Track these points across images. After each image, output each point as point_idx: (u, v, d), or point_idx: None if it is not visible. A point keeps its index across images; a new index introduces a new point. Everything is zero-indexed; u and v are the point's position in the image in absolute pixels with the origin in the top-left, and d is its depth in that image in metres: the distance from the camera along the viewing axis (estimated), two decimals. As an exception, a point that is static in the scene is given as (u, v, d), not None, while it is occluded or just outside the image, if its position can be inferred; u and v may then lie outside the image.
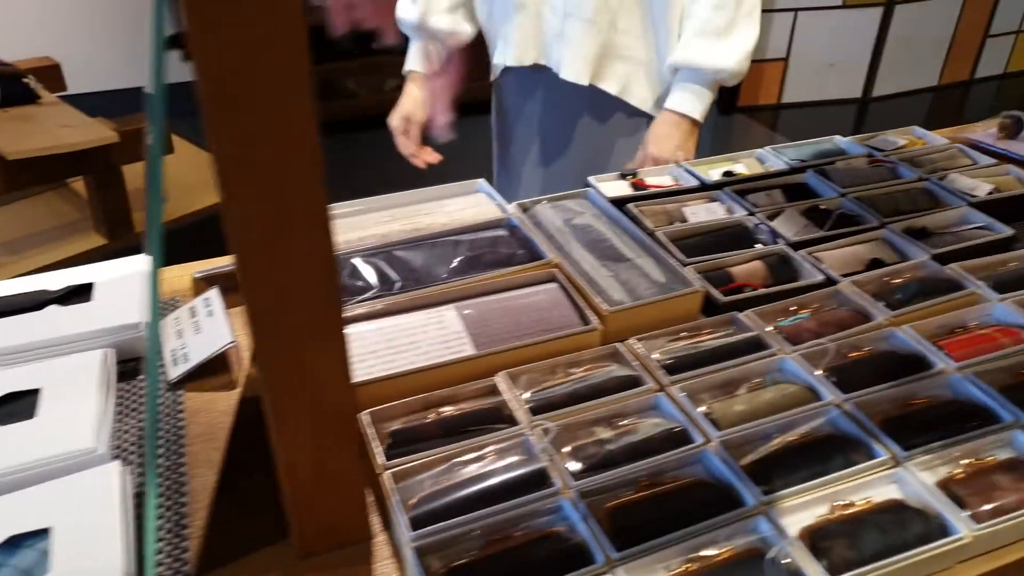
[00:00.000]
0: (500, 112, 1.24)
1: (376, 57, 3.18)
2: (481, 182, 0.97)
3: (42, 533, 0.55)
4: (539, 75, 1.10)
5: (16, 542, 0.54)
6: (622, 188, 0.99)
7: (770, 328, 0.74)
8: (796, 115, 3.56)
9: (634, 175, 1.00)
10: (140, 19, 3.09)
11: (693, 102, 1.03)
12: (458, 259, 0.83)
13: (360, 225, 0.89)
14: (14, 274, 1.71)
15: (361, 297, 0.77)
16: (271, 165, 0.42)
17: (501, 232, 0.87)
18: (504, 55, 1.11)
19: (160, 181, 0.48)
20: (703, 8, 0.99)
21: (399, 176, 3.15)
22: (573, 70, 1.03)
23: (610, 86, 1.05)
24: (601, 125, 1.11)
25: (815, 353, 0.70)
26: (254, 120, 0.40)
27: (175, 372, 0.75)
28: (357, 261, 0.81)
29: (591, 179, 0.98)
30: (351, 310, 0.74)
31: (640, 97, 1.07)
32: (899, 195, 0.95)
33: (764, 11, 3.45)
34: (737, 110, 3.56)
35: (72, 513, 0.57)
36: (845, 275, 0.81)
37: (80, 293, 0.82)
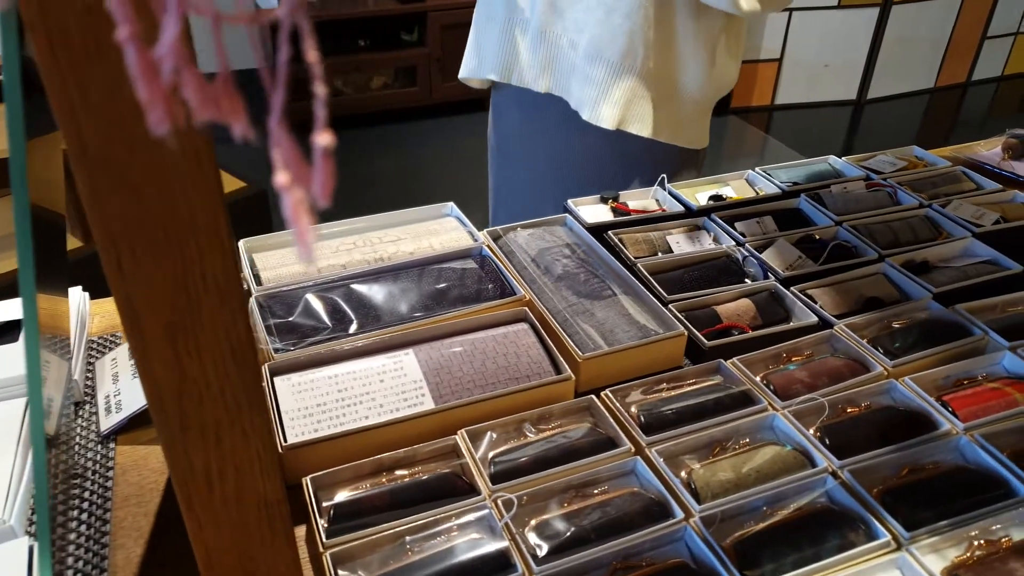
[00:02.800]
0: (499, 126, 1.14)
1: (363, 55, 3.10)
2: (451, 206, 0.90)
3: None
4: (548, 99, 1.01)
5: None
6: (602, 212, 0.92)
7: (759, 378, 0.67)
8: (790, 116, 3.50)
9: (615, 198, 0.93)
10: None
11: None
12: (422, 294, 0.76)
13: (319, 253, 0.82)
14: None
15: (312, 339, 0.70)
16: (170, 239, 0.35)
17: (470, 263, 0.81)
18: (507, 74, 1.01)
19: (24, 177, 0.40)
20: None
21: (384, 175, 3.09)
22: (596, 114, 0.93)
23: (640, 129, 0.95)
24: (624, 158, 1.01)
25: (808, 410, 0.64)
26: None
27: (107, 423, 0.68)
28: (311, 296, 0.74)
29: (569, 202, 0.92)
30: (301, 355, 0.67)
31: (671, 134, 0.97)
32: (898, 224, 0.88)
33: (758, 11, 3.40)
34: (730, 111, 3.50)
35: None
36: (840, 316, 0.75)
37: (7, 331, 0.75)
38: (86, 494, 0.62)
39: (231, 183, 2.36)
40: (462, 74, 1.10)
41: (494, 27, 1.02)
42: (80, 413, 0.70)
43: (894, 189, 0.95)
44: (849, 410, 0.65)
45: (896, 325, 0.73)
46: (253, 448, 0.44)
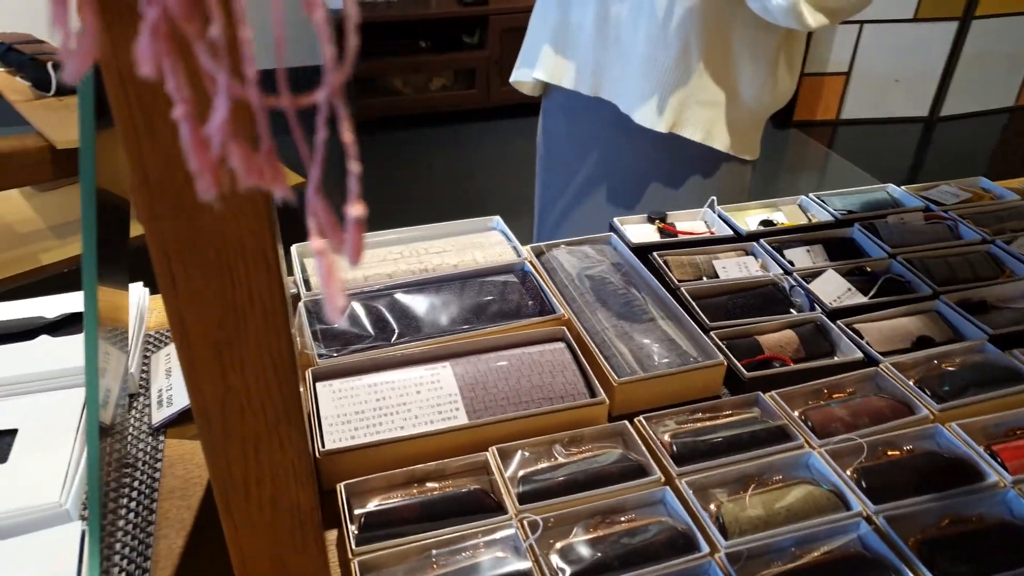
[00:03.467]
0: (548, 130, 1.14)
1: (423, 56, 3.15)
2: (497, 219, 0.91)
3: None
4: (599, 103, 1.01)
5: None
6: (649, 232, 0.92)
7: (797, 413, 0.66)
8: (855, 132, 3.39)
9: (663, 219, 0.93)
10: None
11: None
12: (463, 307, 0.78)
13: (367, 261, 0.84)
14: (61, 257, 1.73)
15: (355, 347, 0.72)
16: (221, 262, 0.37)
17: (512, 279, 0.82)
18: (558, 77, 1.01)
19: (92, 162, 0.41)
20: None
21: (439, 175, 3.13)
22: (649, 117, 0.93)
23: (693, 133, 0.94)
24: (672, 165, 1.00)
25: (846, 450, 0.62)
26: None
27: (158, 416, 0.72)
28: (356, 305, 0.76)
29: (615, 221, 0.92)
30: (343, 362, 0.70)
31: (723, 141, 0.96)
32: (956, 259, 0.85)
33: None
34: (792, 124, 3.41)
35: (20, 582, 0.53)
36: (887, 353, 0.72)
37: (74, 322, 0.80)
38: (136, 484, 0.65)
39: (289, 177, 2.43)
40: (513, 77, 1.11)
41: (547, 29, 1.02)
42: (134, 405, 0.73)
43: (955, 222, 0.92)
44: (890, 453, 0.63)
45: (946, 367, 0.71)
46: (289, 459, 0.46)
